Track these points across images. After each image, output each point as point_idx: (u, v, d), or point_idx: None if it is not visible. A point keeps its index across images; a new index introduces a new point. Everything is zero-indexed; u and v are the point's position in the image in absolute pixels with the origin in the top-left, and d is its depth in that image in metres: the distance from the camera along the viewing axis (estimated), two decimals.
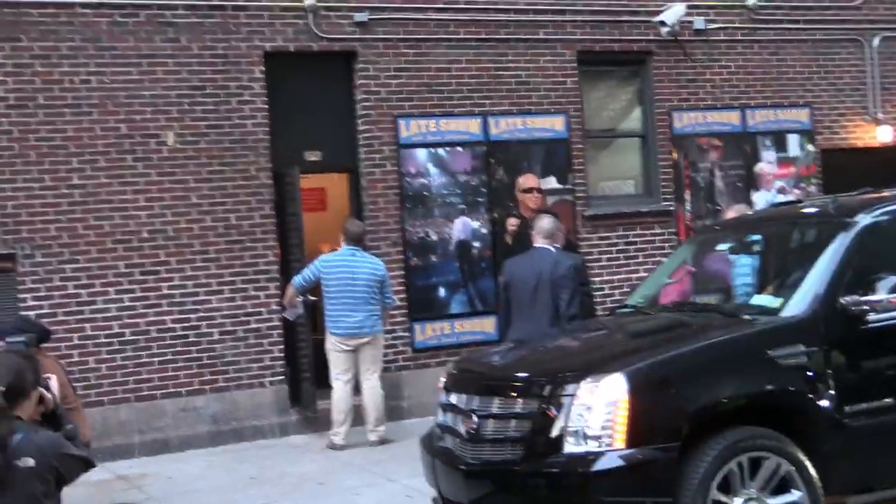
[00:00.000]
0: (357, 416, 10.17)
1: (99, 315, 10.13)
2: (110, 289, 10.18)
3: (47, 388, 4.68)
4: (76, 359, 10.01)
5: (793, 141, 13.14)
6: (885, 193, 7.00)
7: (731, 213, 9.42)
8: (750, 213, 9.37)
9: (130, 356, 10.22)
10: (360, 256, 10.07)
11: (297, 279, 10.09)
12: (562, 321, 8.05)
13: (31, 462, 4.35)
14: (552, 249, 8.51)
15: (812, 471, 5.70)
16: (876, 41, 13.53)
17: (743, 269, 7.65)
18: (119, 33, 10.30)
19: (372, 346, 10.04)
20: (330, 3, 11.07)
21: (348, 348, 9.96)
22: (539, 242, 8.57)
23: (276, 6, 10.85)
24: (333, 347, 10.01)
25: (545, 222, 8.68)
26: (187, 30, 10.52)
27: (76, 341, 10.04)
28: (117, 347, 10.18)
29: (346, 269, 9.93)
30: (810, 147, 13.17)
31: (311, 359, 10.67)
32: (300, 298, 10.26)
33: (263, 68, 10.79)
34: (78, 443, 4.67)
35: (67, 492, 4.63)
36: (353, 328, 9.91)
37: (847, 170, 12.78)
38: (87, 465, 4.62)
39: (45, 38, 10.05)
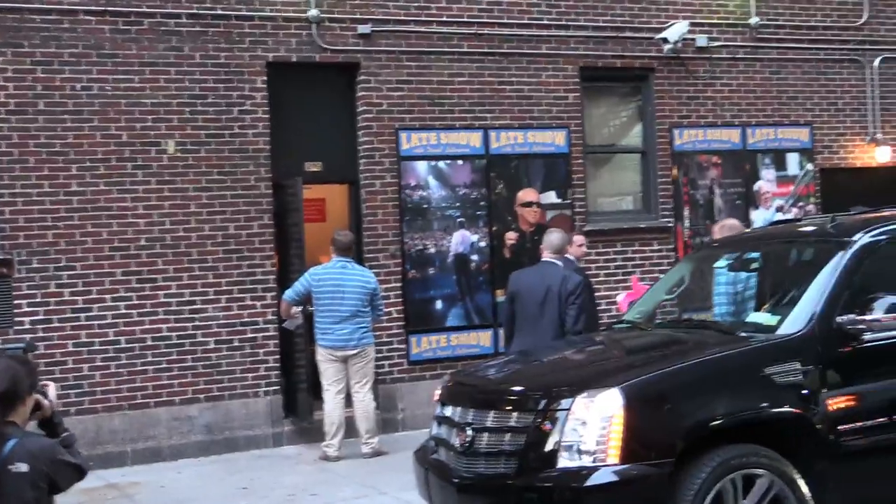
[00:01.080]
0: (351, 427, 10.15)
1: (94, 322, 10.12)
2: (107, 296, 10.17)
3: (45, 395, 4.67)
4: (70, 365, 10.00)
5: (792, 160, 13.15)
6: (885, 213, 7.00)
7: (717, 228, 9.33)
8: (742, 228, 9.30)
9: (125, 364, 10.20)
10: (351, 268, 10.05)
11: (289, 293, 10.07)
12: (567, 336, 8.06)
13: (23, 468, 4.34)
14: (560, 264, 8.55)
15: (805, 489, 5.69)
16: (876, 62, 13.56)
17: (722, 286, 7.64)
18: (122, 41, 10.32)
19: (361, 358, 10.02)
20: (333, 14, 11.08)
21: (337, 359, 9.94)
22: (547, 256, 8.62)
23: (280, 17, 10.87)
24: (323, 358, 9.99)
25: (554, 237, 8.72)
26: (190, 39, 10.54)
27: (70, 348, 10.02)
28: (112, 355, 10.17)
29: (335, 281, 9.91)
30: (810, 166, 13.18)
31: (307, 369, 10.65)
32: (299, 309, 10.24)
33: (266, 78, 10.80)
34: (74, 450, 4.66)
35: (58, 499, 4.61)
36: (340, 340, 9.89)
37: (846, 189, 12.80)
38: (81, 472, 4.61)
39: (47, 44, 10.06)
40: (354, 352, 9.94)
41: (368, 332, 10.06)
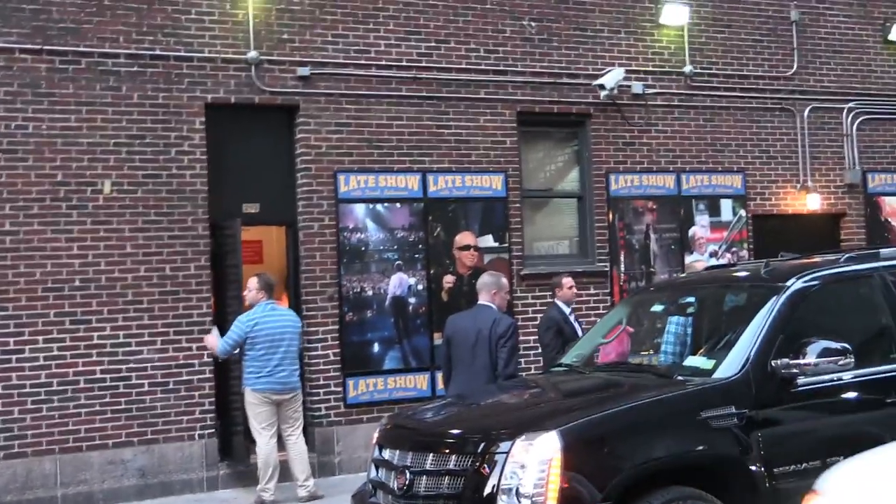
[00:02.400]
0: (285, 471, 10.06)
1: (26, 364, 9.95)
2: (39, 337, 10.01)
3: None
4: (0, 408, 9.81)
5: (726, 206, 13.36)
6: (816, 259, 7.14)
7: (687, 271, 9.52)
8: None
9: (57, 406, 10.04)
10: (280, 310, 10.02)
11: (223, 346, 9.85)
12: (499, 379, 8.07)
13: None
14: (494, 307, 8.53)
15: None
16: (806, 111, 13.86)
17: (664, 329, 7.73)
18: (59, 80, 10.24)
19: (294, 402, 9.97)
20: (273, 56, 11.10)
21: (271, 402, 9.83)
22: (482, 299, 8.60)
23: (219, 58, 10.86)
24: (257, 402, 9.83)
25: (485, 279, 8.73)
26: (128, 78, 10.49)
27: (0, 390, 9.84)
28: (44, 397, 9.99)
29: (272, 325, 9.79)
30: (742, 212, 13.40)
31: (242, 411, 10.52)
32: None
33: (204, 119, 10.78)
34: None
35: None
36: (279, 384, 9.77)
37: (777, 235, 13.03)
38: None
39: None
40: (290, 395, 9.87)
41: (299, 374, 10.04)
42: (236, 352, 10.06)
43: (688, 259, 12.82)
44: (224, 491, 10.56)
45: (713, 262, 12.71)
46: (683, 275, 10.24)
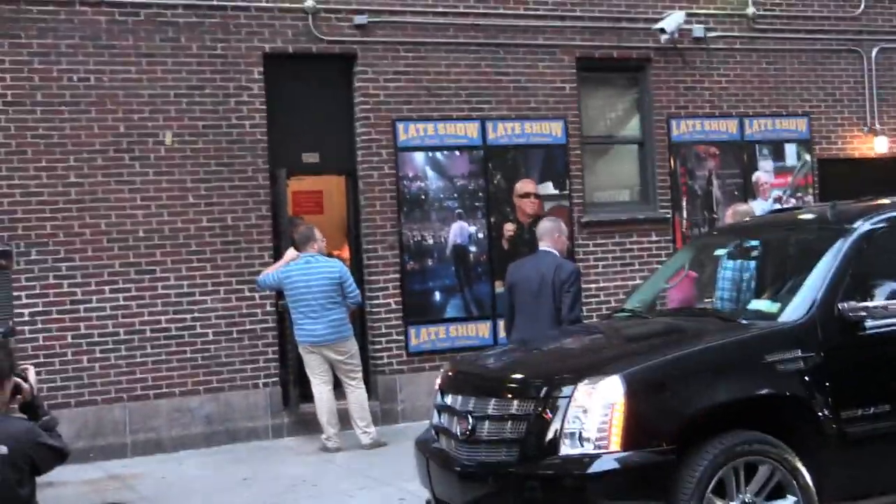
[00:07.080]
0: (347, 418, 10.13)
1: (93, 314, 10.10)
2: (105, 287, 10.15)
3: (25, 379, 4.69)
4: (69, 357, 9.99)
5: (790, 150, 13.14)
6: (884, 201, 7.00)
7: (730, 213, 9.34)
8: (751, 212, 9.33)
9: (124, 355, 10.19)
10: (316, 262, 9.91)
11: (261, 277, 10.13)
12: (564, 324, 8.04)
13: (3, 449, 4.36)
14: (556, 253, 8.47)
15: (807, 477, 5.68)
16: (874, 52, 13.55)
17: (728, 273, 7.62)
18: (118, 32, 10.29)
19: (340, 353, 9.95)
20: (330, 4, 11.06)
21: (315, 352, 9.94)
22: (543, 245, 8.56)
23: (276, 7, 10.84)
24: (304, 351, 10.02)
25: (545, 224, 8.68)
26: (187, 29, 10.51)
27: (70, 339, 10.01)
28: (111, 346, 10.15)
29: (300, 277, 9.82)
30: (807, 157, 13.18)
31: (296, 360, 10.58)
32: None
33: (262, 69, 10.78)
34: (55, 434, 4.67)
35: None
36: (312, 336, 9.86)
37: (843, 180, 12.80)
38: (62, 455, 4.63)
39: (44, 36, 10.04)
40: (331, 346, 9.90)
41: (343, 325, 9.94)
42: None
43: (744, 205, 12.59)
44: (289, 439, 10.68)
45: (758, 206, 12.35)
46: (725, 220, 10.00)
